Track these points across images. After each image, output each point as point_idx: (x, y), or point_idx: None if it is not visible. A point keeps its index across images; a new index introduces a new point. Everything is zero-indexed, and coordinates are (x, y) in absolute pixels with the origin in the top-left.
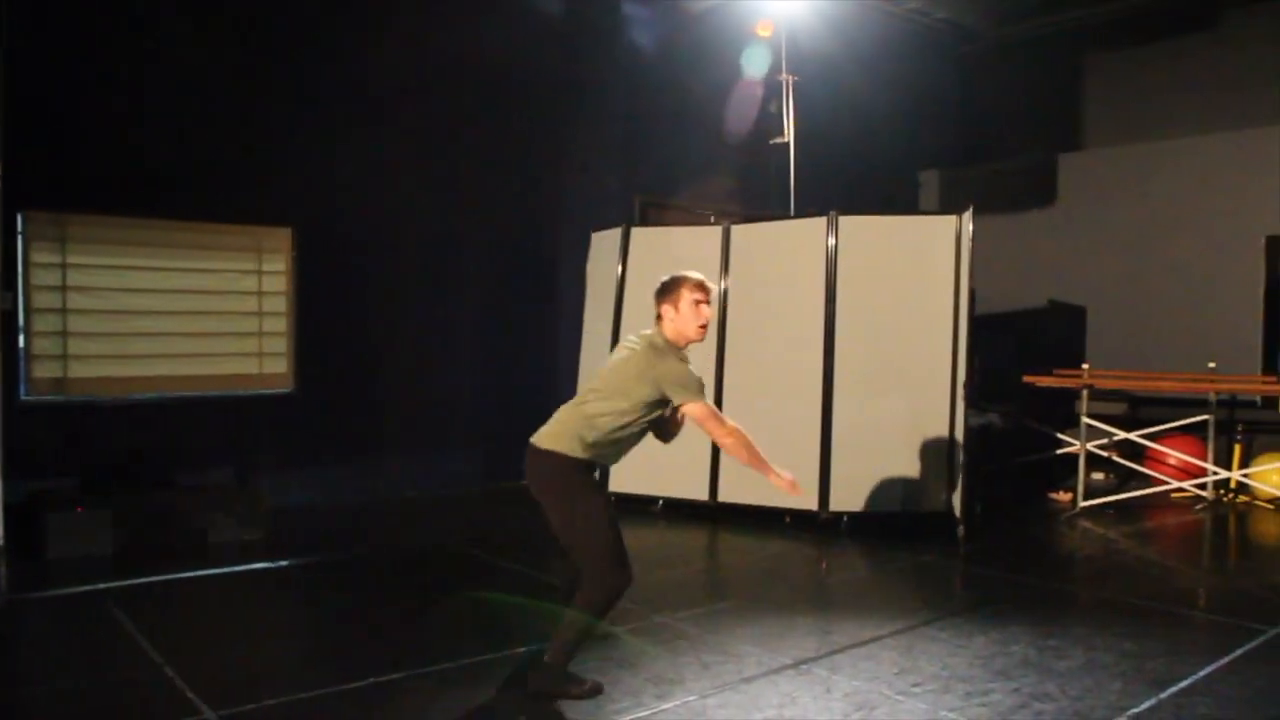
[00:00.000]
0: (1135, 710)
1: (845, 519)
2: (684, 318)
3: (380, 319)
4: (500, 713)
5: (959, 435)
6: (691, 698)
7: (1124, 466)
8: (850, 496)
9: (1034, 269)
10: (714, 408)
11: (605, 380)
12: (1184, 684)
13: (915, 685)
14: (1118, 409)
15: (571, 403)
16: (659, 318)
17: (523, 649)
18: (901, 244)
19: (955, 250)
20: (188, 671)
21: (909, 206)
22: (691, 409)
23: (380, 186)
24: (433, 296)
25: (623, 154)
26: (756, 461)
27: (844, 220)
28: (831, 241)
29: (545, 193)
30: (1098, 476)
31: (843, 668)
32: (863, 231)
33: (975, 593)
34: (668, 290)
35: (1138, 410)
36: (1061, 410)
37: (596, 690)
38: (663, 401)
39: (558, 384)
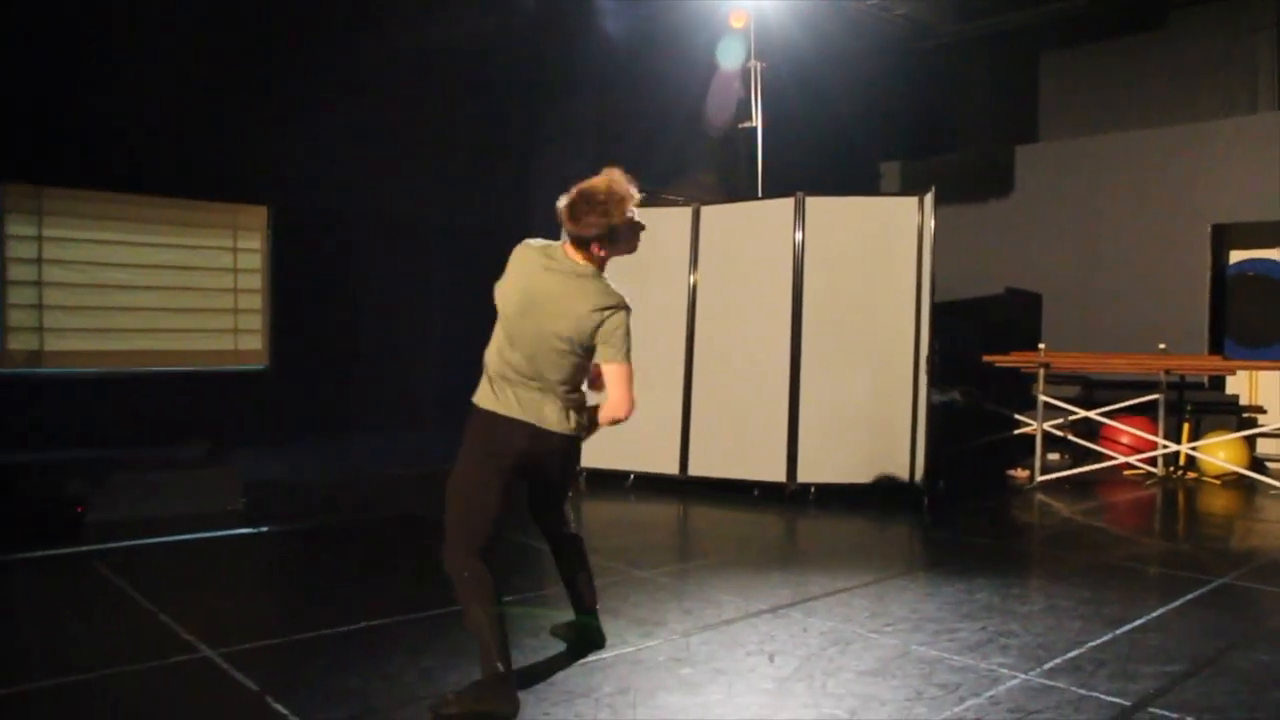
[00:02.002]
0: (1094, 643)
1: (812, 490)
2: (627, 247)
3: (354, 297)
4: (540, 638)
5: (922, 410)
6: (675, 636)
7: (1079, 445)
8: (817, 469)
9: (992, 257)
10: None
11: None
12: (1137, 623)
13: (887, 625)
14: (1072, 390)
15: None
16: (598, 245)
17: (537, 593)
18: (866, 224)
19: (918, 230)
20: (181, 618)
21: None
22: None
23: (355, 167)
24: (406, 275)
25: (594, 138)
26: None
27: (810, 201)
28: (798, 223)
29: (518, 175)
30: (1053, 455)
31: (817, 612)
32: (829, 212)
33: (941, 553)
34: (624, 225)
35: (1091, 392)
36: (1018, 393)
37: None
38: None
39: None
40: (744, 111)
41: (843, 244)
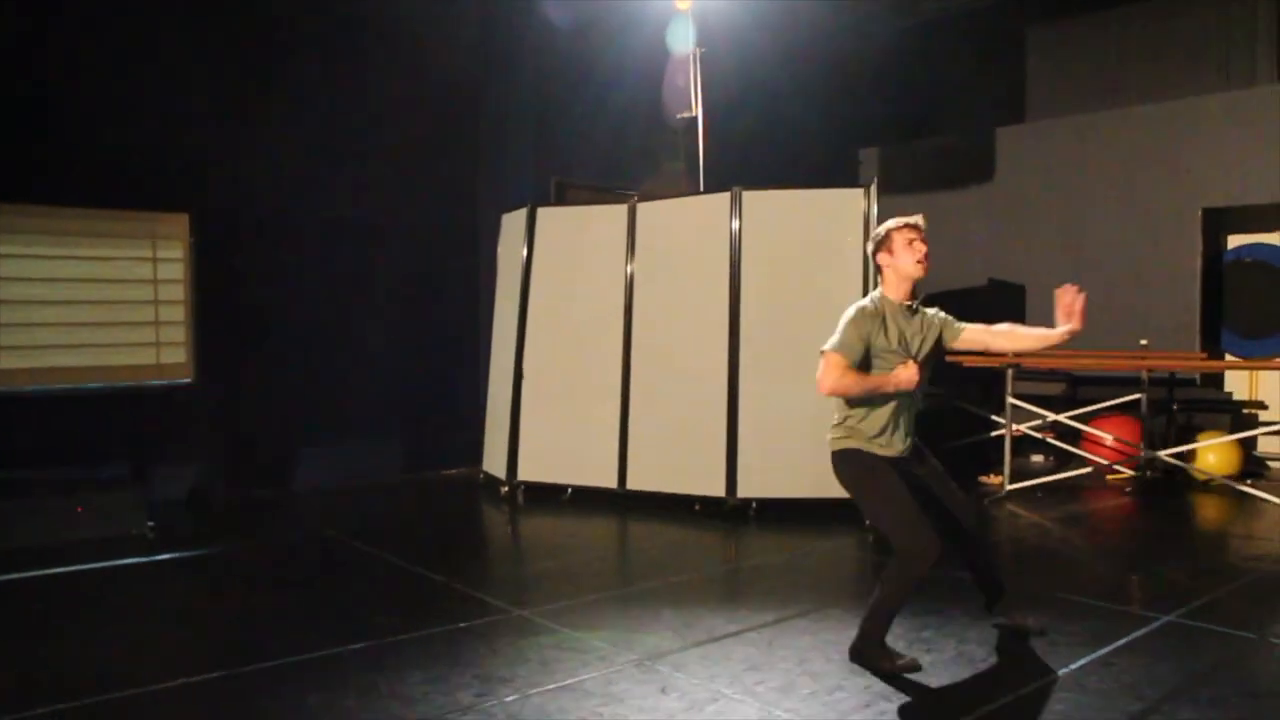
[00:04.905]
0: (988, 708)
1: (753, 505)
2: (900, 259)
3: (285, 307)
4: (368, 697)
5: None
6: (512, 697)
7: (1059, 448)
8: (759, 483)
9: (973, 247)
10: (833, 361)
11: None
12: (1053, 676)
13: (759, 684)
14: (1056, 389)
15: None
16: (879, 272)
17: (390, 639)
18: (809, 219)
19: (864, 226)
20: (39, 664)
21: (848, 183)
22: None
23: (283, 170)
24: (342, 283)
25: (536, 135)
26: (871, 385)
27: (747, 196)
28: (735, 219)
29: (459, 176)
30: (1036, 458)
31: (690, 664)
32: (768, 207)
33: (868, 582)
34: (880, 242)
35: (1076, 390)
36: (998, 392)
37: (912, 666)
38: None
39: (477, 372)
40: (684, 100)
41: (784, 240)
